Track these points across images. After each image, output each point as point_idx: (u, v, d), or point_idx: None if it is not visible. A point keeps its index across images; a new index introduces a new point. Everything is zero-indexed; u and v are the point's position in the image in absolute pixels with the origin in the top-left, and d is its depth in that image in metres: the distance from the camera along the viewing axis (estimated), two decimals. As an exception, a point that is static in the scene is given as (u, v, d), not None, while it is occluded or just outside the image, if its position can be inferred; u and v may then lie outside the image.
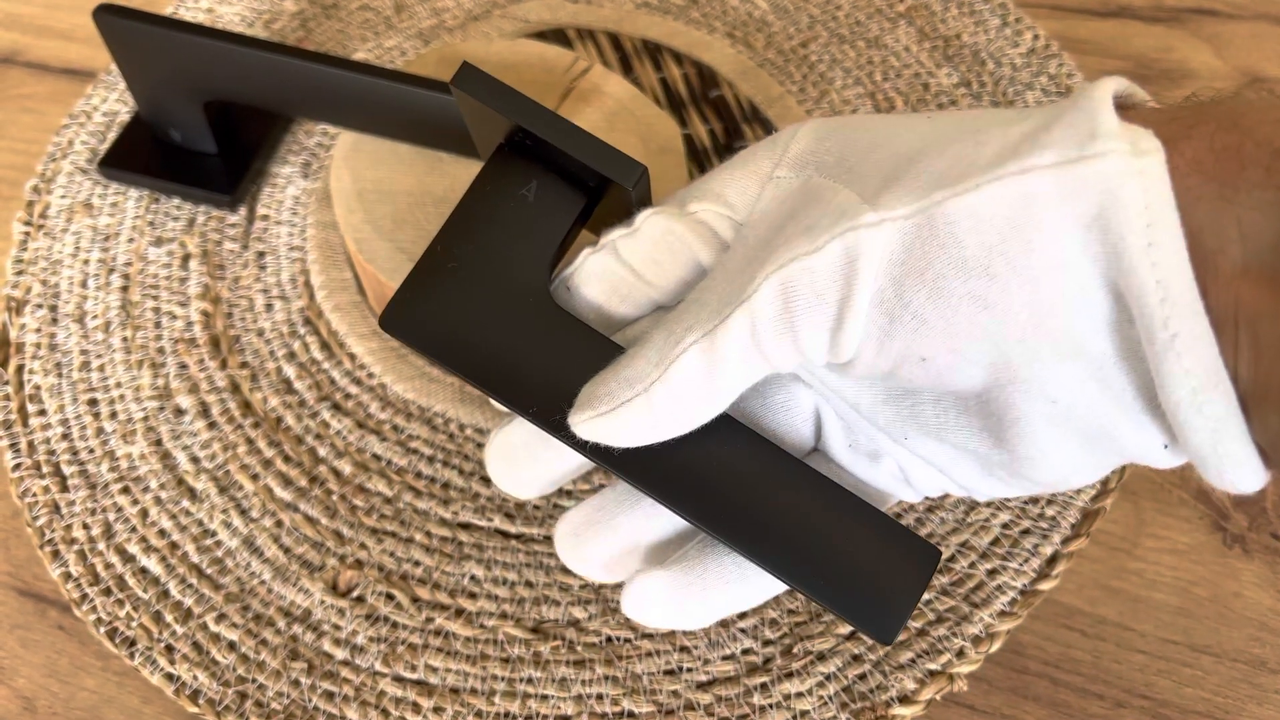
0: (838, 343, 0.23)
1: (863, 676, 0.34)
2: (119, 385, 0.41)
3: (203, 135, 0.44)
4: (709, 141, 0.47)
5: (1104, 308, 0.20)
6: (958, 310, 0.21)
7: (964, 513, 0.37)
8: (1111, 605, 0.37)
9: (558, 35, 0.51)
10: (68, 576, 0.36)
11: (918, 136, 0.23)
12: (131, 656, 0.34)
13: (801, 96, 0.48)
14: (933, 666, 0.34)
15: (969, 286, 0.21)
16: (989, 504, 0.37)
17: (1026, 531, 0.37)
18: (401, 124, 0.40)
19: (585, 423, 0.24)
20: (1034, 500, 0.37)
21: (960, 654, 0.34)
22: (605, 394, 0.24)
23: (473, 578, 0.36)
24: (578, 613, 0.35)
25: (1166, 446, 0.22)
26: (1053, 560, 0.36)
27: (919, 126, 0.24)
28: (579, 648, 0.35)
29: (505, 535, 0.37)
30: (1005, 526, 0.37)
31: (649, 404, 0.23)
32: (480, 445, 0.39)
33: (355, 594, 0.36)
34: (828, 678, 0.34)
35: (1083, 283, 0.20)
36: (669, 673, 0.34)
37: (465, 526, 0.37)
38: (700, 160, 0.46)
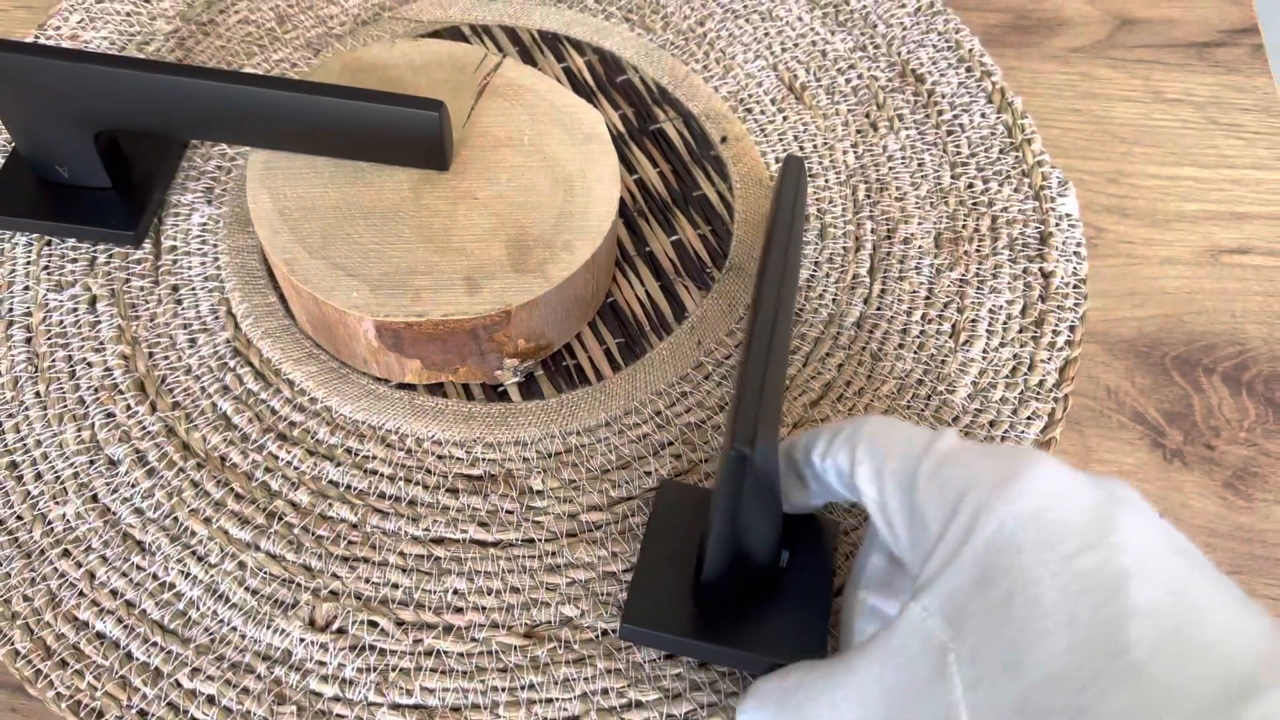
0: None
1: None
2: (39, 444, 0.38)
3: (94, 170, 0.42)
4: (623, 126, 0.47)
5: None
6: None
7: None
8: (1073, 531, 0.38)
9: (452, 33, 0.50)
10: (16, 654, 0.34)
11: None
12: (102, 727, 0.32)
13: (707, 75, 0.49)
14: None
15: None
16: None
17: (988, 471, 0.38)
18: (316, 136, 0.38)
19: None
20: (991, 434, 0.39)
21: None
22: None
23: (456, 592, 0.35)
24: (569, 611, 0.35)
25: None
26: (1016, 495, 0.37)
27: None
28: (576, 645, 0.34)
29: (482, 544, 0.36)
30: (967, 469, 0.38)
31: None
32: (440, 458, 0.38)
33: (335, 626, 0.34)
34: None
35: None
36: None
37: (439, 541, 0.36)
38: (619, 146, 0.46)
